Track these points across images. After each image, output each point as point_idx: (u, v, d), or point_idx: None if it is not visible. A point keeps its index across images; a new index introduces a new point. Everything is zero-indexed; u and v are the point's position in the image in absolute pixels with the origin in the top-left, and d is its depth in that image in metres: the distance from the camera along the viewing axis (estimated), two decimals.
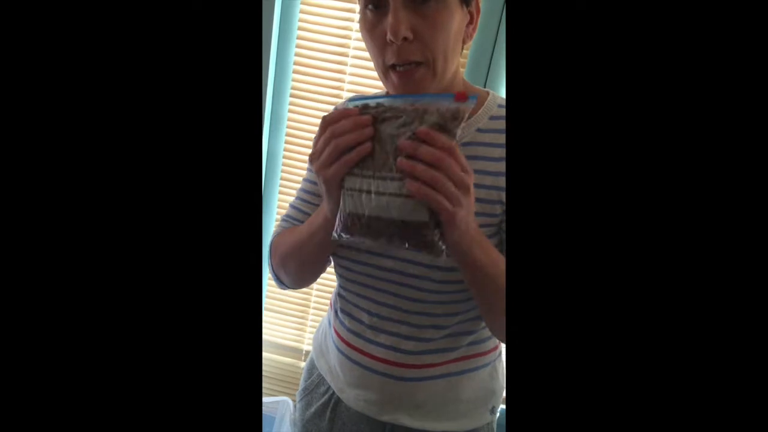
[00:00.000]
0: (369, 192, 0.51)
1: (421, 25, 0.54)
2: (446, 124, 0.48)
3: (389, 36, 0.54)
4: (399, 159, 0.48)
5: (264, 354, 1.65)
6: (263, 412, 1.08)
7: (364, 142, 0.50)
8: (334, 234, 0.54)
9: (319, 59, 1.38)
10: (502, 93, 1.26)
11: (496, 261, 0.57)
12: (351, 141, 0.50)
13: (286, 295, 1.59)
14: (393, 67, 0.57)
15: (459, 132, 0.49)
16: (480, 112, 0.65)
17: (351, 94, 1.38)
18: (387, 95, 0.55)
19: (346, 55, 1.37)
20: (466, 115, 0.48)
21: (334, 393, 0.75)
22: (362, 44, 1.36)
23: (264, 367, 1.66)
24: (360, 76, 1.37)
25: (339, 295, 0.73)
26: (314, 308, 1.58)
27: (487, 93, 0.67)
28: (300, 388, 0.84)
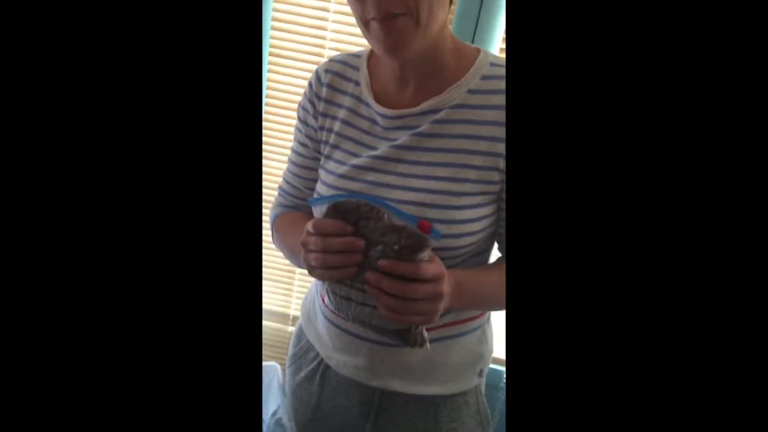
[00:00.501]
0: (350, 299, 0.57)
1: None
2: (409, 253, 0.50)
3: None
4: (368, 288, 0.52)
5: None
6: None
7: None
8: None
9: (299, 14, 1.31)
10: (493, 50, 1.21)
11: (493, 291, 0.62)
12: (339, 262, 0.53)
13: (272, 261, 1.58)
14: (372, 19, 0.54)
15: (424, 254, 0.51)
16: (471, 71, 0.62)
17: (333, 53, 1.33)
18: (364, 195, 0.55)
19: (327, 10, 1.30)
20: (429, 248, 0.51)
21: (322, 359, 0.75)
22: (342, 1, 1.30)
23: None
24: (342, 33, 1.32)
25: None
26: (300, 273, 1.57)
27: (478, 51, 0.64)
28: (289, 354, 0.83)
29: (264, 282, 1.61)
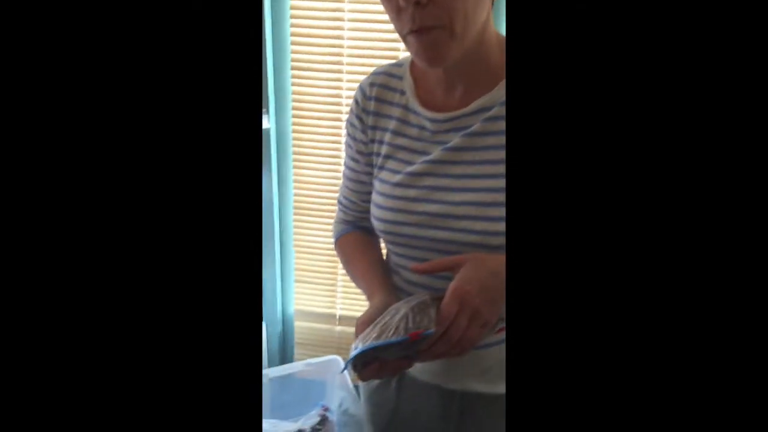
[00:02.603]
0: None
1: None
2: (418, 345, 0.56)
3: (401, 1, 0.54)
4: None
5: (299, 323, 1.71)
6: (310, 377, 1.13)
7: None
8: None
9: (315, 27, 1.34)
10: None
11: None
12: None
13: (314, 265, 1.63)
14: (410, 33, 0.56)
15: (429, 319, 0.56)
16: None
17: (352, 59, 1.35)
18: (372, 345, 0.57)
19: (342, 20, 1.33)
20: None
21: None
22: (359, 7, 1.32)
23: (300, 335, 1.73)
24: (359, 39, 1.34)
25: (393, 271, 0.74)
26: (342, 273, 1.62)
27: None
28: None
29: (308, 286, 1.67)
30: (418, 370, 0.73)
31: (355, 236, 0.79)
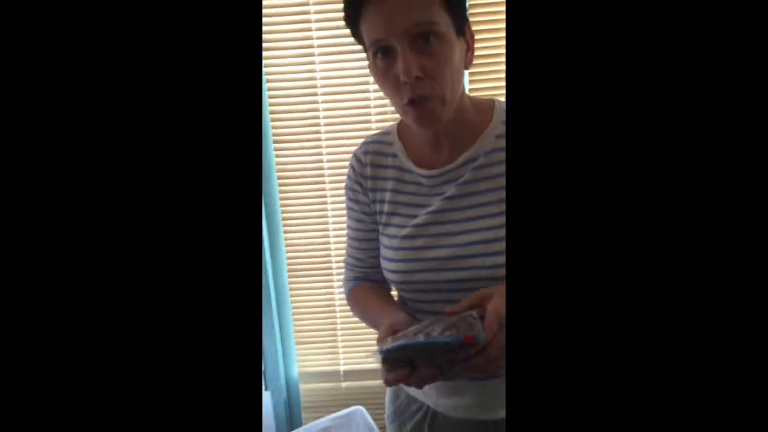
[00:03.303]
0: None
1: (428, 63, 0.63)
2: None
3: (403, 78, 0.63)
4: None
5: (303, 386, 1.72)
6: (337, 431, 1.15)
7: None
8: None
9: (292, 103, 1.46)
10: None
11: None
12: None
13: (313, 324, 1.67)
14: (409, 102, 0.66)
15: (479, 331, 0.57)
16: (493, 120, 0.74)
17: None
18: (413, 342, 0.59)
19: (316, 95, 1.46)
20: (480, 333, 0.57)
21: (429, 408, 0.81)
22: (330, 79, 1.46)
23: (306, 398, 1.73)
24: (333, 110, 1.46)
25: (415, 319, 0.79)
26: (341, 329, 1.67)
27: (492, 101, 0.76)
28: (388, 412, 0.89)
29: (308, 347, 1.69)
30: (450, 407, 0.78)
31: (367, 286, 0.86)
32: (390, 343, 0.58)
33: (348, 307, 1.71)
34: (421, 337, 0.57)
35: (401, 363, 0.58)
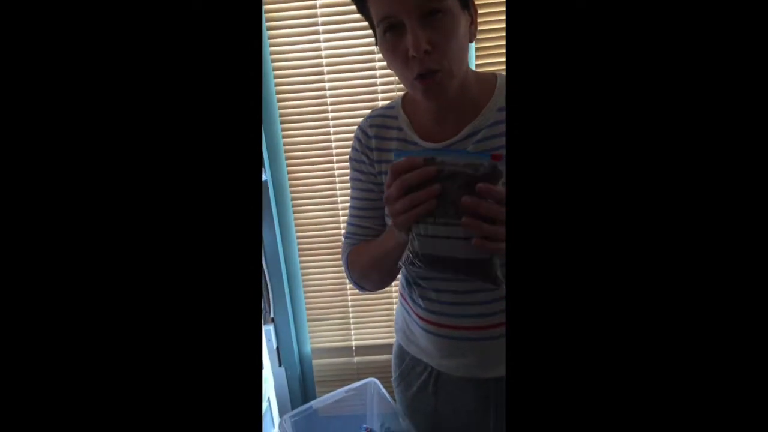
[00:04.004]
0: (436, 237, 0.60)
1: (436, 38, 0.64)
2: (494, 179, 0.57)
3: (411, 51, 0.64)
4: (464, 219, 0.57)
5: (316, 361, 1.77)
6: (352, 402, 1.19)
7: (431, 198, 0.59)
8: (400, 263, 0.64)
9: (299, 83, 1.47)
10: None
11: None
12: (422, 197, 0.59)
13: (324, 301, 1.70)
14: (418, 77, 0.67)
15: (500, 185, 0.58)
16: (495, 93, 0.75)
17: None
18: (432, 149, 0.61)
19: (322, 73, 1.46)
20: (503, 177, 0.56)
21: (433, 369, 0.85)
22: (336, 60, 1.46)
23: (319, 372, 1.78)
24: (339, 88, 1.47)
25: (416, 284, 0.82)
26: (352, 305, 1.70)
27: (494, 75, 0.78)
28: (394, 376, 0.93)
29: (321, 324, 1.73)
30: (453, 367, 0.81)
31: (362, 243, 0.86)
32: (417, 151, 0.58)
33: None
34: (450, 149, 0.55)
35: (430, 167, 0.58)
